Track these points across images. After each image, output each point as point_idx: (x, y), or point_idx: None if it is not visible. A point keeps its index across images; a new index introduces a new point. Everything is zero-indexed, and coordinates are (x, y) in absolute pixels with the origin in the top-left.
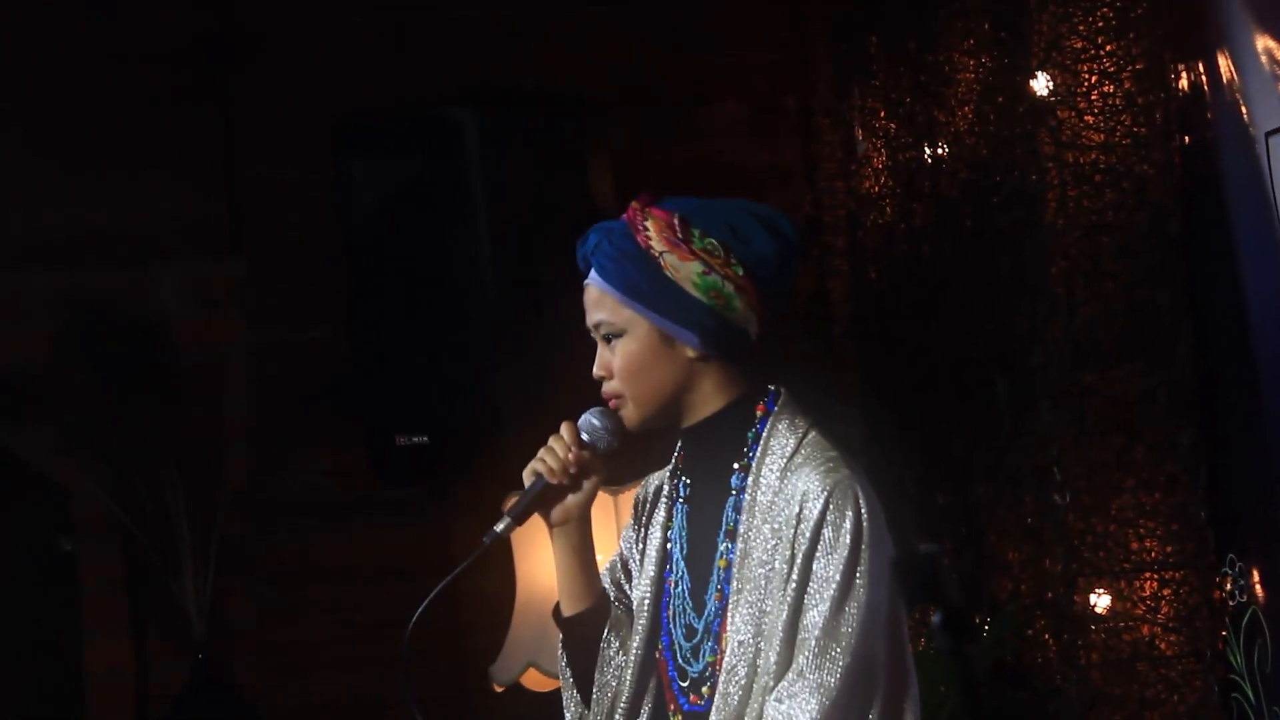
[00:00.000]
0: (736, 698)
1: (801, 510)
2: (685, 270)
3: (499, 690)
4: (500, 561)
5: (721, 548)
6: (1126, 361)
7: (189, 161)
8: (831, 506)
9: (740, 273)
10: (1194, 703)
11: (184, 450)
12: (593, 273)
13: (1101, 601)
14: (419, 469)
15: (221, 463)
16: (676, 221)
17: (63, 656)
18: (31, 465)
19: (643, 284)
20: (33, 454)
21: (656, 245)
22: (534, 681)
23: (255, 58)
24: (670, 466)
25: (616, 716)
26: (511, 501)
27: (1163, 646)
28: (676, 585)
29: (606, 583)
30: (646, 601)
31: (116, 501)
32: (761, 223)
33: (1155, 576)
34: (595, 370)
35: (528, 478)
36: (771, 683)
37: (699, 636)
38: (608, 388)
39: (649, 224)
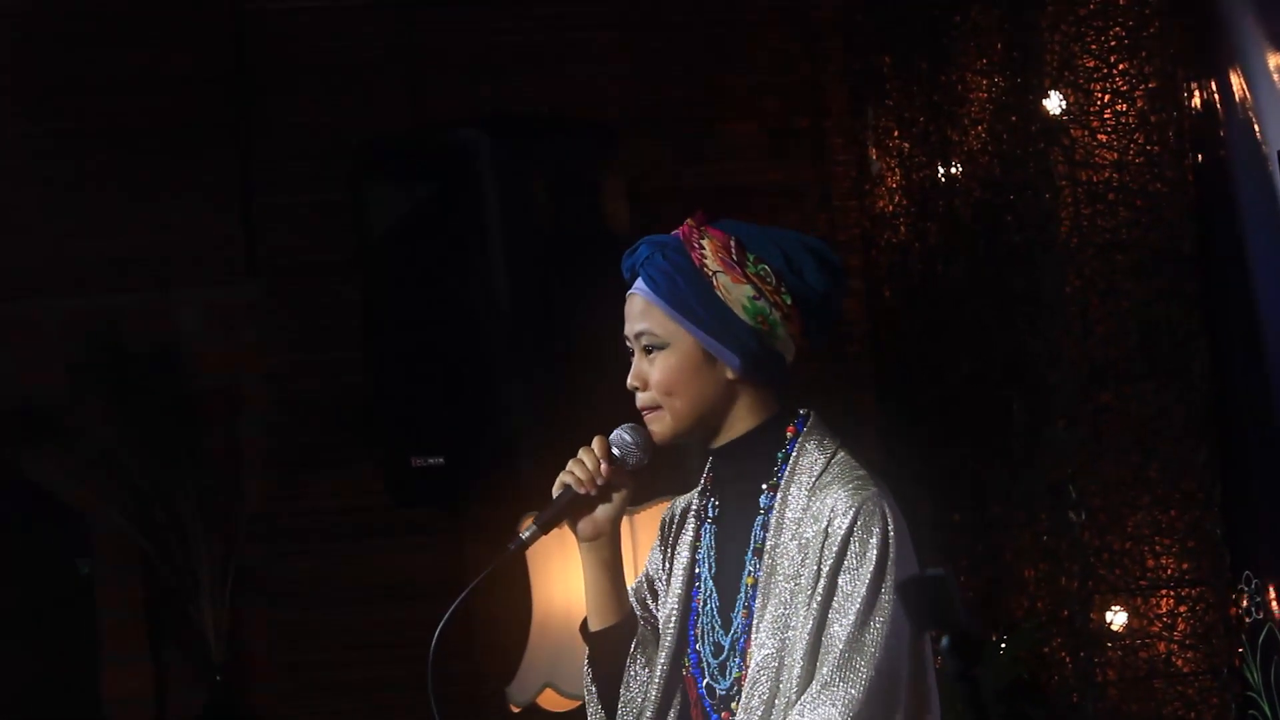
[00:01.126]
0: (759, 712)
1: (829, 526)
2: (737, 292)
3: (516, 711)
4: (517, 582)
5: (749, 566)
6: (1141, 379)
7: (207, 186)
8: (859, 523)
9: (788, 301)
10: None
11: (201, 474)
12: (640, 283)
13: (1118, 619)
14: (434, 490)
15: (239, 485)
16: (733, 244)
17: (81, 681)
18: (50, 490)
19: (693, 300)
20: (51, 479)
21: (711, 264)
22: (551, 702)
23: (273, 83)
24: (699, 487)
25: None
26: (528, 522)
27: (1179, 664)
28: (705, 604)
29: (632, 601)
30: (673, 619)
31: (135, 526)
32: (814, 255)
33: (1171, 594)
34: (630, 381)
35: (557, 489)
36: (794, 696)
37: (725, 654)
38: (642, 399)
39: (705, 242)
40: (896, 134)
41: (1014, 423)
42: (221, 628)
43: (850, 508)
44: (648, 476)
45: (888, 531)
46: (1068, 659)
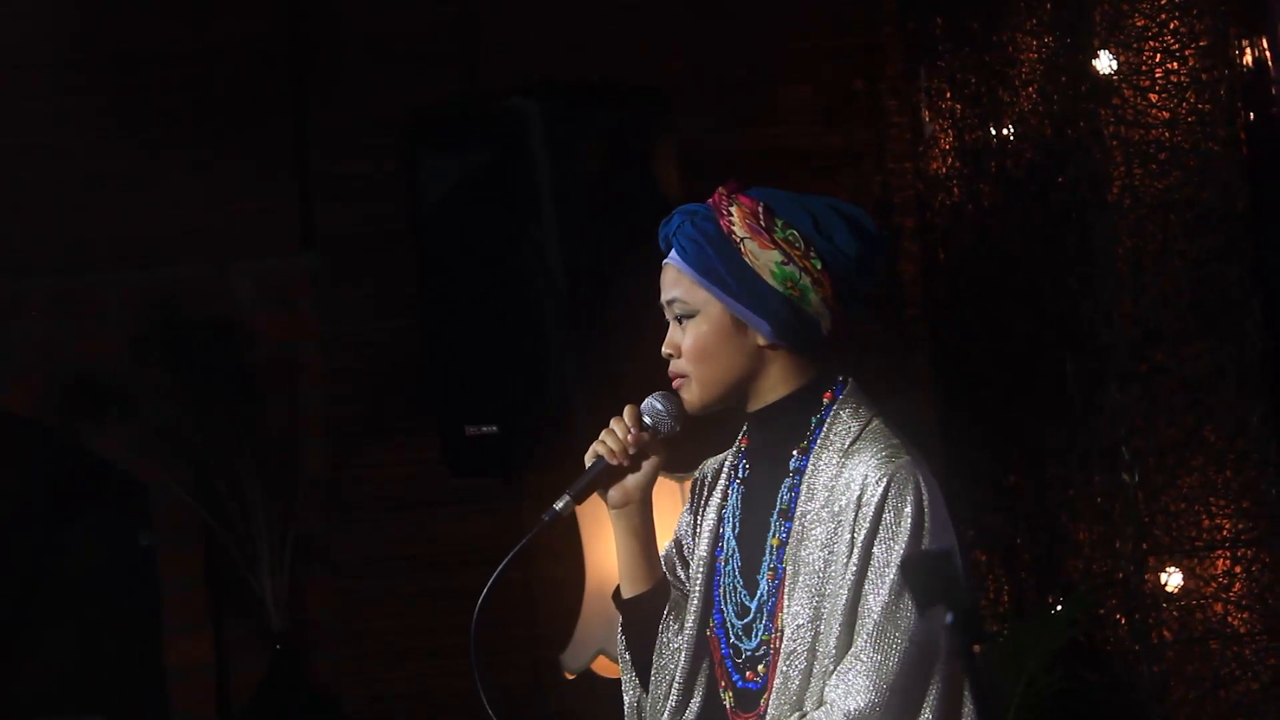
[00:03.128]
0: (796, 682)
1: (862, 495)
2: (764, 258)
3: (570, 678)
4: (571, 549)
5: (774, 527)
6: (1195, 340)
7: (263, 158)
8: (892, 492)
9: (819, 266)
10: (1267, 680)
11: (260, 444)
12: (673, 252)
13: (1173, 580)
14: (489, 459)
15: (298, 455)
16: (761, 210)
17: (144, 650)
18: (112, 462)
19: (720, 267)
20: (113, 451)
21: (738, 231)
22: (605, 668)
23: (326, 55)
24: (733, 449)
25: (671, 694)
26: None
27: (1235, 624)
28: (726, 563)
29: (663, 567)
30: (699, 580)
31: (195, 497)
32: (845, 220)
33: (1227, 554)
34: (664, 348)
35: (589, 459)
36: (831, 666)
37: (752, 615)
38: (674, 366)
39: (733, 210)
40: (949, 95)
41: (1068, 384)
42: (281, 597)
43: (884, 477)
44: (702, 443)
45: (921, 501)
46: (1123, 620)
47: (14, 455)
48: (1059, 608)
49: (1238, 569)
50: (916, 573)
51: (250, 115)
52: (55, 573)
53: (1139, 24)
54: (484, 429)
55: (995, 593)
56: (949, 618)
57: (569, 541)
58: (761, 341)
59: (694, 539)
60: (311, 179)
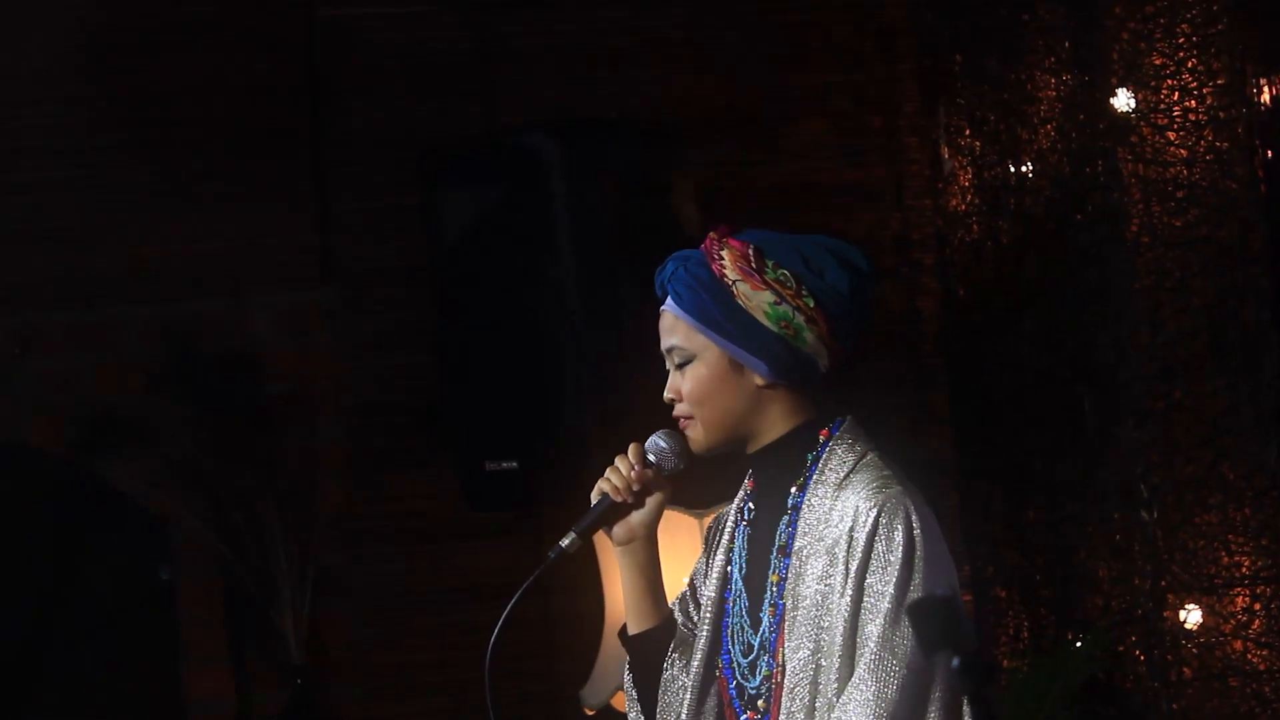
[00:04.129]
0: (799, 716)
1: (853, 526)
2: (757, 300)
3: (590, 714)
4: (591, 585)
5: (774, 564)
6: (1212, 376)
7: (281, 192)
8: (883, 521)
9: (811, 304)
10: None
11: (279, 478)
12: (669, 299)
13: (1192, 617)
14: (508, 494)
15: (316, 489)
16: (751, 252)
17: (164, 684)
18: (131, 496)
19: (715, 312)
20: (131, 485)
21: (730, 274)
22: (625, 704)
23: (346, 89)
24: (740, 492)
25: None
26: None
27: (1255, 661)
28: (735, 604)
29: (676, 609)
30: (707, 621)
31: (214, 530)
32: (834, 256)
33: (1246, 591)
34: (666, 394)
35: (594, 496)
36: (834, 698)
37: (755, 653)
38: (678, 409)
39: (724, 253)
40: (968, 132)
41: (1085, 420)
42: (301, 630)
43: (874, 507)
44: (718, 479)
45: (913, 529)
46: (1143, 657)
47: (34, 488)
48: (1078, 644)
49: (1257, 606)
50: (917, 617)
51: (269, 150)
52: (75, 606)
53: (1156, 62)
54: (503, 464)
55: (1015, 629)
56: (954, 662)
57: (588, 577)
58: (760, 381)
59: (704, 582)
60: (330, 213)
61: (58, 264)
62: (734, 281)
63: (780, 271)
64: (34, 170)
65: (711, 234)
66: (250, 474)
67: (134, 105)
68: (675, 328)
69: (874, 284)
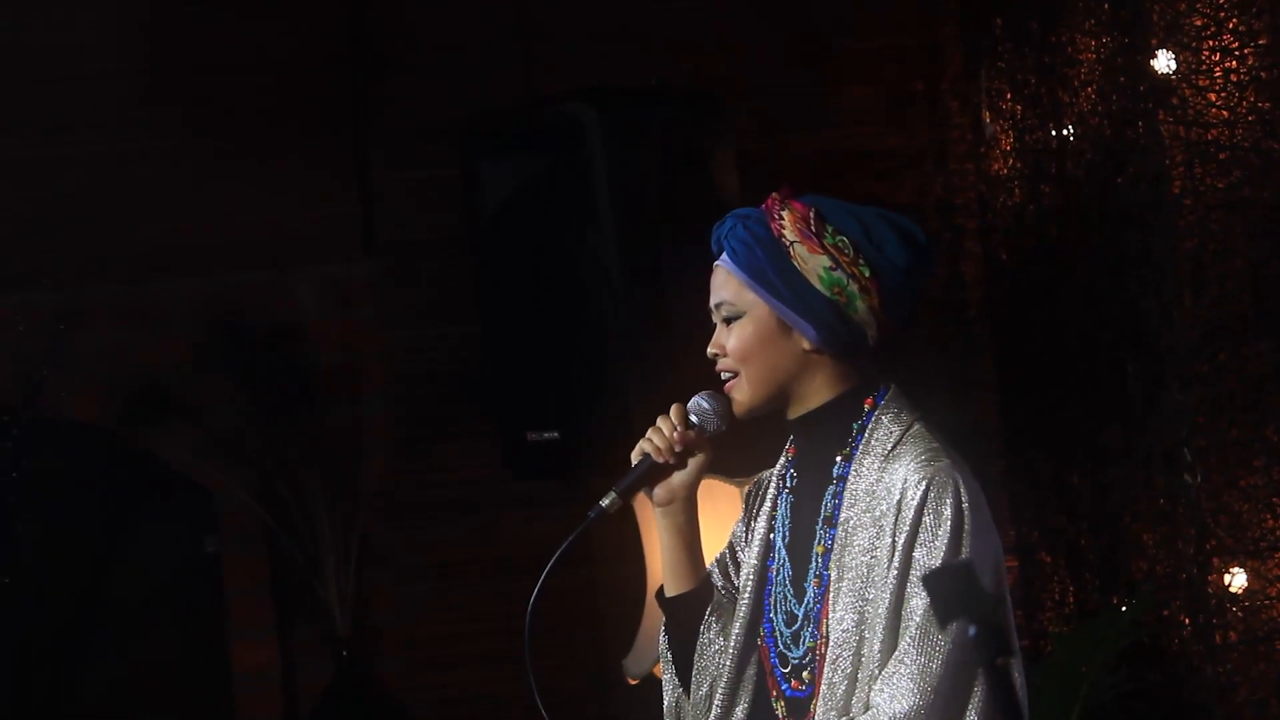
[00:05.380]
0: (842, 687)
1: (901, 499)
2: (813, 262)
3: (633, 683)
4: (634, 553)
5: (819, 534)
6: (1256, 339)
7: (323, 165)
8: (932, 495)
9: (866, 274)
10: None
11: (323, 450)
12: (724, 255)
13: (1237, 581)
14: (550, 464)
15: (361, 461)
16: (812, 215)
17: (211, 656)
18: (177, 469)
19: (769, 270)
20: (177, 458)
21: (789, 235)
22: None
23: (387, 61)
24: (782, 458)
25: (716, 701)
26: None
27: None
28: (778, 573)
29: (715, 571)
30: (749, 588)
31: (260, 502)
32: (896, 231)
33: None
34: (710, 348)
35: (635, 456)
36: (876, 670)
37: (799, 623)
38: (722, 364)
39: (785, 214)
40: (1009, 96)
41: (1129, 384)
42: (346, 602)
43: (922, 480)
44: (759, 447)
45: (961, 503)
46: (1187, 621)
47: (80, 463)
48: (1123, 609)
49: None
50: (936, 586)
51: (311, 123)
52: (122, 579)
53: (1197, 23)
54: (545, 434)
55: (1060, 594)
56: (971, 630)
57: (632, 545)
58: (806, 346)
59: (745, 547)
60: (372, 186)
61: (101, 239)
62: (791, 243)
63: (839, 238)
64: (77, 145)
65: (774, 194)
66: (294, 446)
67: (175, 80)
68: (727, 283)
69: (931, 263)
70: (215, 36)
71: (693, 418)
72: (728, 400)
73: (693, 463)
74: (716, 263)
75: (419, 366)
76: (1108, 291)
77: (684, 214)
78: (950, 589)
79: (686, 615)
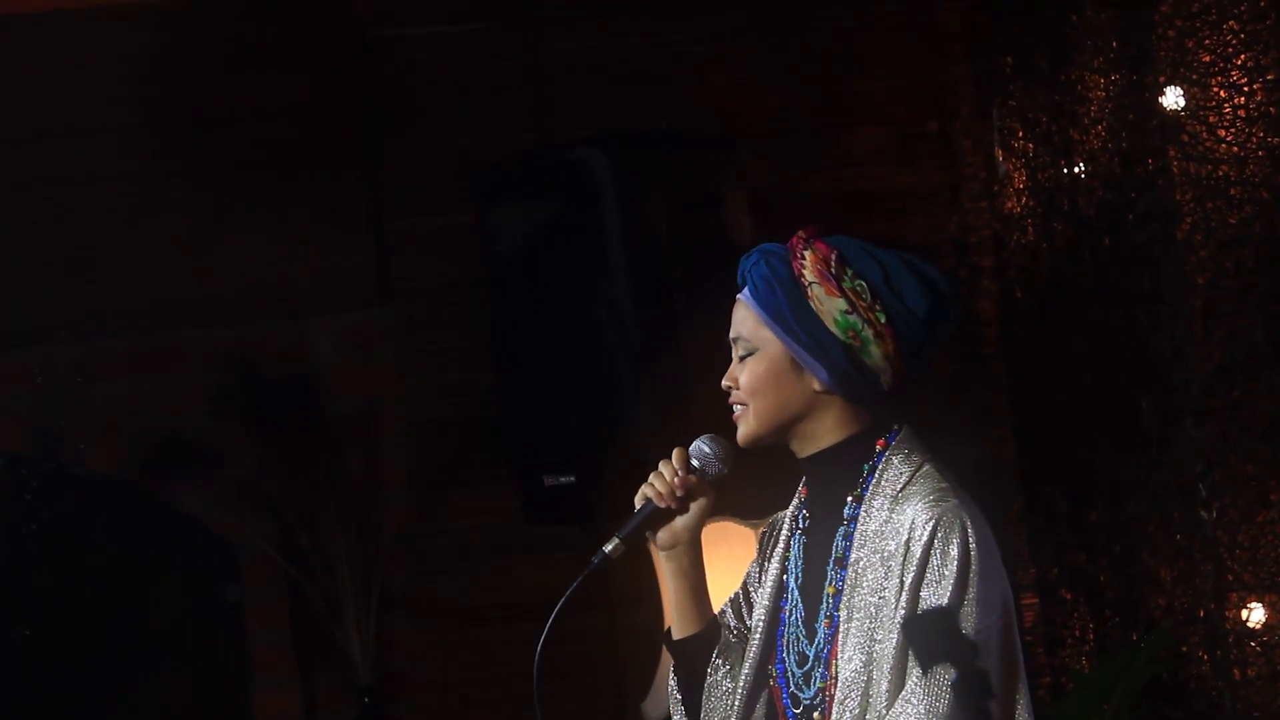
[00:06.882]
0: None
1: (909, 539)
2: (829, 305)
3: None
4: (653, 597)
5: (830, 575)
6: (1269, 373)
7: (337, 213)
8: (939, 535)
9: (882, 320)
10: None
11: (342, 497)
12: (746, 289)
13: (1255, 616)
14: (567, 508)
15: (379, 508)
16: (834, 257)
17: (233, 704)
18: (197, 519)
19: (785, 310)
20: (197, 507)
21: (809, 275)
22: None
23: (398, 109)
24: (794, 499)
25: None
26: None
27: None
28: (791, 613)
29: (728, 610)
30: (760, 629)
31: (280, 551)
32: (918, 277)
33: None
34: (724, 380)
35: (638, 501)
36: (884, 710)
37: (810, 663)
38: (733, 396)
39: (808, 254)
40: (1021, 134)
41: (1143, 420)
42: (368, 648)
43: (930, 520)
44: (768, 490)
45: (968, 543)
46: (1205, 657)
47: (101, 514)
48: (1141, 645)
49: None
50: (914, 632)
51: (324, 172)
52: (143, 629)
53: (1205, 59)
54: (562, 479)
55: (1080, 630)
56: (951, 676)
57: (651, 588)
58: (818, 387)
59: (759, 587)
60: (386, 233)
61: (118, 290)
62: (810, 283)
63: (857, 282)
64: (93, 197)
65: (801, 232)
66: (314, 494)
67: (190, 130)
68: (745, 319)
69: (953, 312)
70: (229, 87)
71: (694, 461)
72: (730, 443)
73: (695, 506)
74: (739, 295)
75: (435, 413)
76: (1121, 327)
77: (696, 257)
78: (957, 629)
79: (694, 657)
